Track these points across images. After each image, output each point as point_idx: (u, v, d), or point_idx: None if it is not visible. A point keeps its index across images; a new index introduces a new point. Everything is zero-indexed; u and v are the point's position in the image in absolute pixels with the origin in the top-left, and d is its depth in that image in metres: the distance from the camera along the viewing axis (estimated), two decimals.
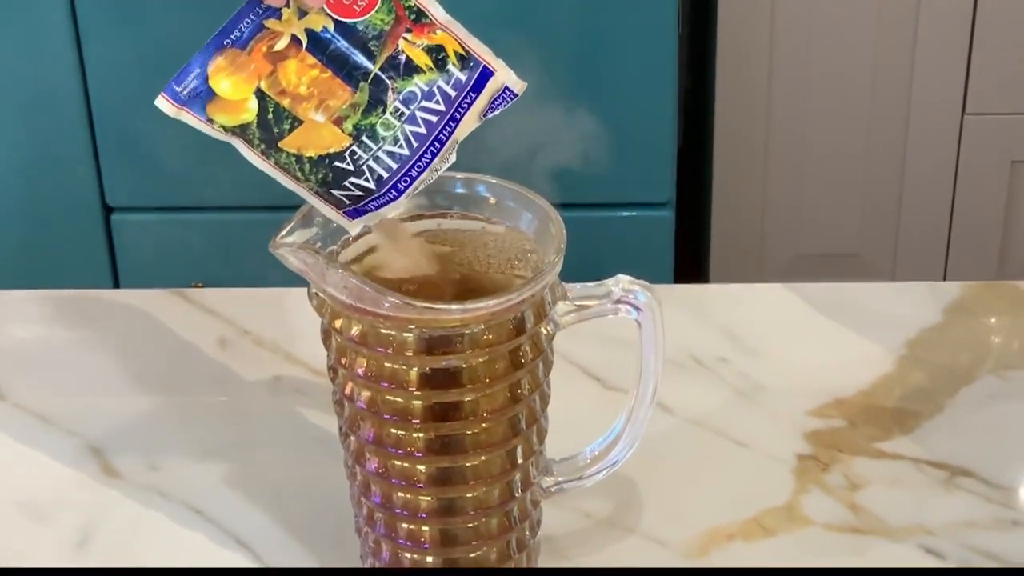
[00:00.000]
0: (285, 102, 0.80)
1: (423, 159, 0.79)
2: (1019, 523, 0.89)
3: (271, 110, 0.79)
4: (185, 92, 0.80)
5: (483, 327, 0.76)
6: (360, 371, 0.77)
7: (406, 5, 0.80)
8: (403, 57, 0.80)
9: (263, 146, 0.79)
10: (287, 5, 0.80)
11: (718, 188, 2.16)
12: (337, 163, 0.79)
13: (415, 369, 0.76)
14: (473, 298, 0.75)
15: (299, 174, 0.79)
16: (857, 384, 1.00)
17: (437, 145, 0.80)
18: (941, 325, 1.05)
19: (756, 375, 1.01)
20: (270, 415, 0.99)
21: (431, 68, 0.80)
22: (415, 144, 0.80)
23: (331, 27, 0.80)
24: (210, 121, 0.79)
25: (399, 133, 0.79)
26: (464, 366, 0.76)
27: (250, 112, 0.79)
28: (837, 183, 2.14)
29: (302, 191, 0.79)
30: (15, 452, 0.96)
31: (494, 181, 0.83)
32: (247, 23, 0.81)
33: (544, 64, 1.87)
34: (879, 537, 0.88)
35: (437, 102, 0.80)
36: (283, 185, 0.80)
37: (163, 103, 0.79)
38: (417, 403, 0.77)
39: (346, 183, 0.79)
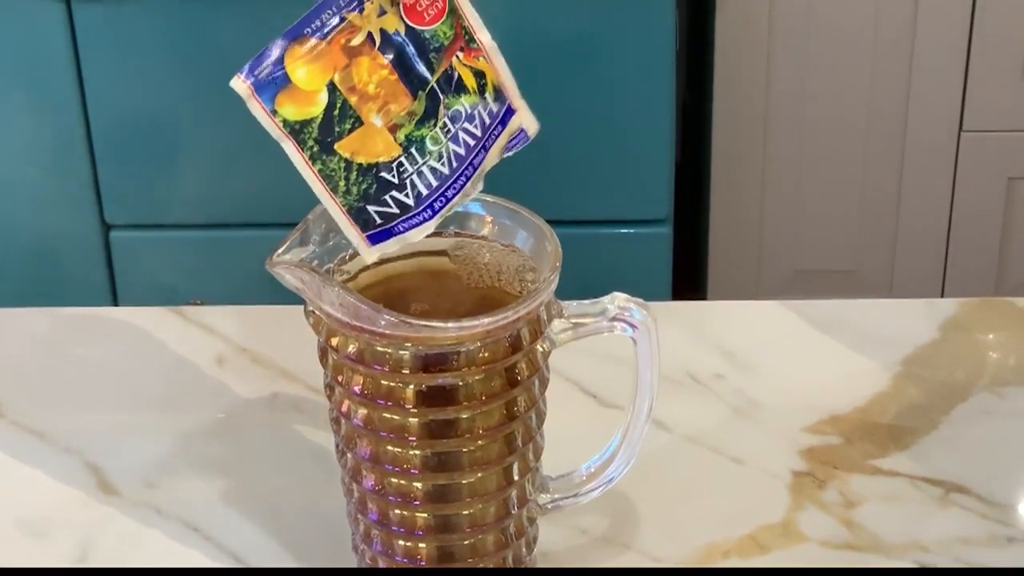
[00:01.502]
0: (353, 99, 0.79)
1: (459, 181, 0.79)
2: (1014, 540, 0.89)
3: (339, 106, 0.78)
4: (262, 74, 0.78)
5: (479, 345, 0.76)
6: (357, 389, 0.78)
7: (463, 25, 0.80)
8: (455, 74, 0.80)
9: (315, 148, 0.78)
10: (371, 0, 0.79)
11: (716, 204, 2.17)
12: (383, 173, 0.79)
13: (411, 387, 0.77)
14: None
15: (342, 183, 0.78)
16: (853, 401, 1.00)
17: (471, 169, 0.80)
18: (937, 342, 1.06)
19: (752, 392, 1.01)
20: (267, 432, 0.99)
21: (475, 91, 0.80)
22: (454, 164, 0.79)
23: (403, 31, 0.79)
24: (274, 113, 0.78)
25: (444, 150, 0.79)
26: (460, 384, 0.77)
27: (319, 106, 0.78)
28: (834, 200, 2.15)
29: (334, 207, 0.78)
30: (13, 469, 0.96)
31: (490, 199, 0.83)
32: (330, 13, 0.79)
33: (542, 81, 1.88)
34: (874, 554, 0.88)
35: (476, 126, 0.80)
36: (317, 197, 0.79)
37: (238, 84, 0.78)
38: (413, 420, 0.78)
39: (386, 197, 0.79)
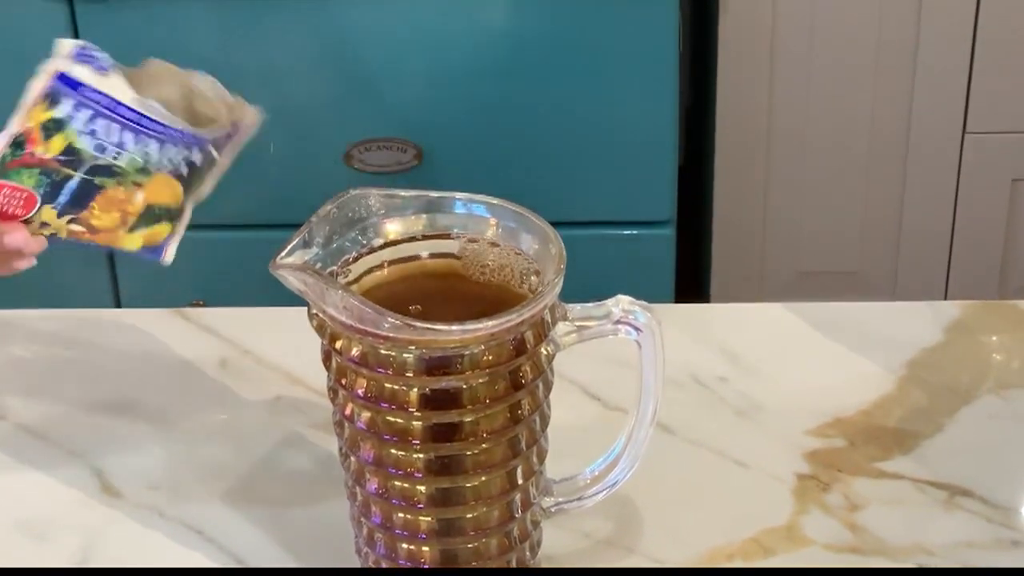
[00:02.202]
0: (131, 209, 0.91)
1: (168, 130, 0.91)
2: (1019, 543, 0.89)
3: (145, 217, 0.92)
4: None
5: (483, 348, 0.76)
6: (360, 392, 0.78)
7: (4, 156, 0.89)
8: (69, 154, 0.89)
9: (184, 201, 0.95)
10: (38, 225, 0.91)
11: (719, 206, 2.17)
12: (193, 168, 0.93)
13: (415, 390, 0.77)
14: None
15: (208, 180, 0.95)
16: (857, 404, 1.00)
17: (146, 119, 0.90)
18: (941, 344, 1.05)
19: (756, 395, 1.01)
20: (270, 435, 0.99)
21: (65, 131, 0.89)
22: (153, 132, 0.90)
23: (54, 222, 0.91)
24: (144, 235, 0.95)
25: (147, 151, 0.90)
26: (464, 387, 0.76)
27: (132, 238, 0.94)
28: (838, 201, 2.14)
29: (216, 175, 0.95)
30: (16, 472, 0.96)
31: (494, 201, 0.83)
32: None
33: (545, 82, 1.87)
34: (879, 557, 0.88)
35: (97, 123, 0.89)
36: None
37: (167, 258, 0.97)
38: (417, 424, 0.77)
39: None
